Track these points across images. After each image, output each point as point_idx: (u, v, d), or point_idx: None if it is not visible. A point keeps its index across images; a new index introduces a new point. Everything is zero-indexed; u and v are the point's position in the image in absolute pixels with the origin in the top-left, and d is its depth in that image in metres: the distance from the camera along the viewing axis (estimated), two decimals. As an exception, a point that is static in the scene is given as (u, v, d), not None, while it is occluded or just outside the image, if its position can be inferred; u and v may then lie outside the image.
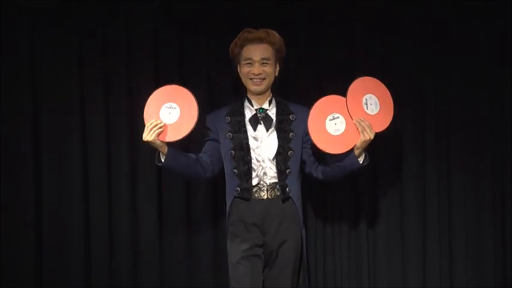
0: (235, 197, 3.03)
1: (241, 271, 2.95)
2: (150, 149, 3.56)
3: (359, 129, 3.01)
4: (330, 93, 3.62)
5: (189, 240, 3.59)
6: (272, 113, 3.12)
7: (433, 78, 3.66)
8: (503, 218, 3.68)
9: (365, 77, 3.12)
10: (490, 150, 3.67)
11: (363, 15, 3.62)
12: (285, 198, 3.05)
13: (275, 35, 3.06)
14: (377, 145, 3.65)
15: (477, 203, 3.67)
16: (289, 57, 3.62)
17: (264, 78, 3.04)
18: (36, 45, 3.55)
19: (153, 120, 2.97)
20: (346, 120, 3.05)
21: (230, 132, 3.06)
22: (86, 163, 3.56)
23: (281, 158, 3.03)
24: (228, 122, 3.09)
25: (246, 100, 3.14)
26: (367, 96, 3.08)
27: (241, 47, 3.05)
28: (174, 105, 2.99)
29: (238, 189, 3.02)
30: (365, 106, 3.08)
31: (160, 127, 2.95)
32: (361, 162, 3.06)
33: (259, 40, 3.03)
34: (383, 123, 3.10)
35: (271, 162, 3.04)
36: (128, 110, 3.57)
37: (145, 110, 3.04)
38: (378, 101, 3.09)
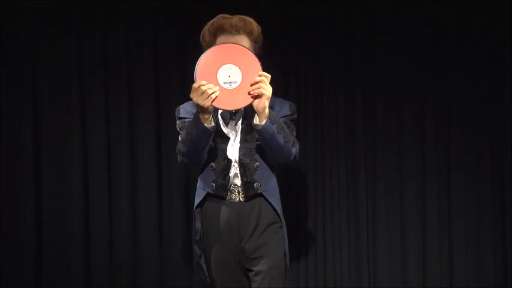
0: (208, 194, 2.76)
1: (220, 284, 2.74)
2: (150, 148, 3.58)
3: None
4: (330, 93, 3.65)
5: (189, 240, 3.58)
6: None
7: (433, 78, 3.67)
8: (503, 218, 3.68)
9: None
10: (490, 150, 3.67)
11: (363, 16, 3.63)
12: (253, 195, 2.74)
13: (252, 23, 2.76)
14: (377, 145, 3.67)
15: (477, 203, 3.67)
16: (289, 58, 3.64)
17: None
18: (36, 45, 3.55)
19: (210, 85, 2.54)
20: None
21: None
22: (86, 163, 3.56)
23: (245, 152, 2.73)
24: None
25: None
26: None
27: (215, 35, 2.74)
28: (234, 67, 2.56)
29: (214, 184, 2.73)
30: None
31: (214, 91, 2.53)
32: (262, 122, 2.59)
33: (236, 30, 2.72)
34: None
35: (237, 162, 2.74)
36: (128, 110, 3.57)
37: (199, 65, 2.60)
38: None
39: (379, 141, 3.67)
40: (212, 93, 2.53)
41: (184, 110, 2.81)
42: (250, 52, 2.60)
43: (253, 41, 2.77)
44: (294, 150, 2.73)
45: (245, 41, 2.74)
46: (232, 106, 2.59)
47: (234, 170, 2.75)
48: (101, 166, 3.56)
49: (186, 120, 2.76)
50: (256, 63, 2.58)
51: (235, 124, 2.76)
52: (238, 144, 2.74)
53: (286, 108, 2.81)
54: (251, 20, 2.77)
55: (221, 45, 2.64)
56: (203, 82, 2.54)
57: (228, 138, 2.75)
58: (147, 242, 3.56)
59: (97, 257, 3.55)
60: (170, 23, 3.60)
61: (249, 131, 2.74)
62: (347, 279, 3.63)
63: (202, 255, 2.83)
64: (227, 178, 2.74)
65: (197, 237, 2.80)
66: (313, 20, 3.63)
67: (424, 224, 3.66)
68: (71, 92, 3.55)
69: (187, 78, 3.59)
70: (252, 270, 2.74)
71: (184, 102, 3.58)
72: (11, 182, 3.53)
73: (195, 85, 2.55)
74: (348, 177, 3.65)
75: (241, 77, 2.56)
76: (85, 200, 3.54)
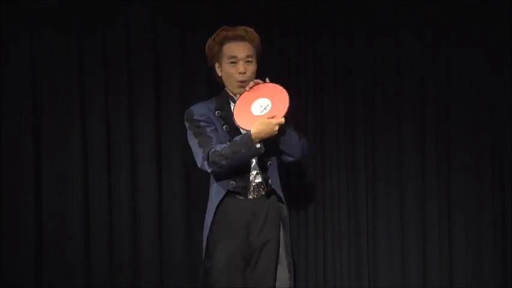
0: (228, 192, 2.91)
1: (228, 277, 2.86)
2: (150, 148, 3.58)
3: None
4: (330, 93, 3.66)
5: (188, 240, 3.59)
6: None
7: (433, 78, 3.67)
8: (503, 218, 3.68)
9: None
10: (490, 150, 3.67)
11: (363, 16, 3.63)
12: (269, 191, 2.95)
13: (253, 33, 2.99)
14: (377, 145, 3.67)
15: (477, 203, 3.67)
16: (289, 57, 3.64)
17: (248, 78, 2.95)
18: (36, 45, 3.55)
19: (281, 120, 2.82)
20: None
21: (227, 125, 2.95)
22: (86, 163, 3.55)
23: (264, 152, 2.89)
24: (220, 116, 2.97)
25: (228, 97, 3.03)
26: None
27: (221, 44, 2.96)
28: (262, 99, 2.88)
29: (233, 183, 2.90)
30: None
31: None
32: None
33: (241, 38, 2.95)
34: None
35: (254, 160, 2.93)
36: (128, 110, 3.57)
37: (235, 109, 2.91)
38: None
39: (379, 141, 3.67)
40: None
41: (199, 112, 2.96)
42: (269, 83, 2.91)
43: (255, 47, 2.99)
44: (305, 142, 3.04)
45: (248, 47, 2.97)
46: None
47: (253, 168, 2.93)
48: (101, 166, 3.56)
49: (201, 123, 2.93)
50: (276, 87, 2.90)
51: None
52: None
53: None
54: (252, 30, 2.99)
55: (247, 90, 2.91)
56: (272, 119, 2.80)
57: None
58: (147, 242, 3.56)
59: (97, 257, 3.55)
60: (170, 23, 3.60)
61: None
62: (347, 279, 3.63)
63: (210, 251, 2.91)
64: (246, 177, 2.91)
65: (208, 234, 2.91)
66: (313, 20, 3.63)
67: (424, 224, 3.66)
68: (71, 92, 3.55)
69: (187, 78, 3.61)
70: (251, 265, 2.90)
71: (184, 101, 3.59)
72: (11, 182, 3.52)
73: (266, 120, 2.80)
74: (348, 177, 3.65)
75: (270, 102, 2.86)
76: (85, 200, 3.54)
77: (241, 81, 2.95)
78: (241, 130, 2.89)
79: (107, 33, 3.58)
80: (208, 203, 3.00)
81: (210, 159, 2.86)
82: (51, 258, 3.53)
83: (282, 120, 2.80)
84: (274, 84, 2.91)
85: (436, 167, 3.66)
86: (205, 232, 2.93)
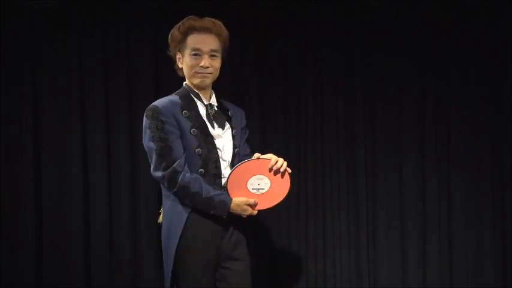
0: None
1: (200, 280, 2.72)
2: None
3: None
4: (330, 93, 3.66)
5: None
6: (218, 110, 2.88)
7: (433, 78, 3.67)
8: (503, 218, 3.68)
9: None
10: (490, 150, 3.67)
11: (363, 16, 3.63)
12: None
13: (222, 26, 2.81)
14: (377, 145, 3.67)
15: (477, 203, 3.67)
16: (289, 57, 3.64)
17: (211, 73, 2.78)
18: (36, 45, 3.55)
19: (253, 200, 2.75)
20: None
21: (194, 128, 2.75)
22: (86, 163, 3.55)
23: (235, 158, 2.83)
24: (187, 117, 2.76)
25: (192, 94, 2.84)
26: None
27: (186, 34, 2.79)
28: (266, 178, 2.77)
29: None
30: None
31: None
32: None
33: (208, 30, 2.77)
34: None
35: (228, 164, 2.81)
36: (128, 110, 3.57)
37: (231, 178, 2.76)
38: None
39: (379, 141, 3.68)
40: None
41: (165, 112, 2.75)
42: (287, 172, 2.79)
43: (222, 42, 2.83)
44: None
45: (214, 41, 2.80)
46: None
47: (226, 172, 2.79)
48: (101, 166, 3.56)
49: (165, 127, 2.72)
50: (287, 182, 2.80)
51: (221, 128, 2.83)
52: (231, 150, 2.82)
53: (244, 116, 2.97)
54: (220, 23, 2.83)
55: (259, 158, 2.78)
56: (252, 202, 2.75)
57: (214, 142, 2.79)
58: (147, 242, 3.56)
59: (97, 257, 3.55)
60: (170, 23, 3.58)
61: (236, 134, 2.86)
62: (347, 279, 3.63)
63: (181, 258, 2.75)
64: (217, 181, 2.78)
65: (179, 241, 2.73)
66: (313, 20, 3.63)
67: (424, 224, 3.66)
68: (71, 92, 3.55)
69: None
70: (228, 268, 2.78)
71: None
72: (11, 182, 3.53)
73: (244, 207, 2.74)
74: (348, 177, 3.65)
75: (268, 188, 2.78)
76: (85, 200, 3.54)
77: (202, 73, 2.78)
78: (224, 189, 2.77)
79: (107, 33, 3.58)
80: (173, 208, 2.78)
81: (177, 187, 2.69)
82: (51, 258, 3.53)
83: (255, 213, 2.74)
84: (289, 177, 2.79)
85: (436, 167, 3.66)
86: (174, 240, 2.73)
